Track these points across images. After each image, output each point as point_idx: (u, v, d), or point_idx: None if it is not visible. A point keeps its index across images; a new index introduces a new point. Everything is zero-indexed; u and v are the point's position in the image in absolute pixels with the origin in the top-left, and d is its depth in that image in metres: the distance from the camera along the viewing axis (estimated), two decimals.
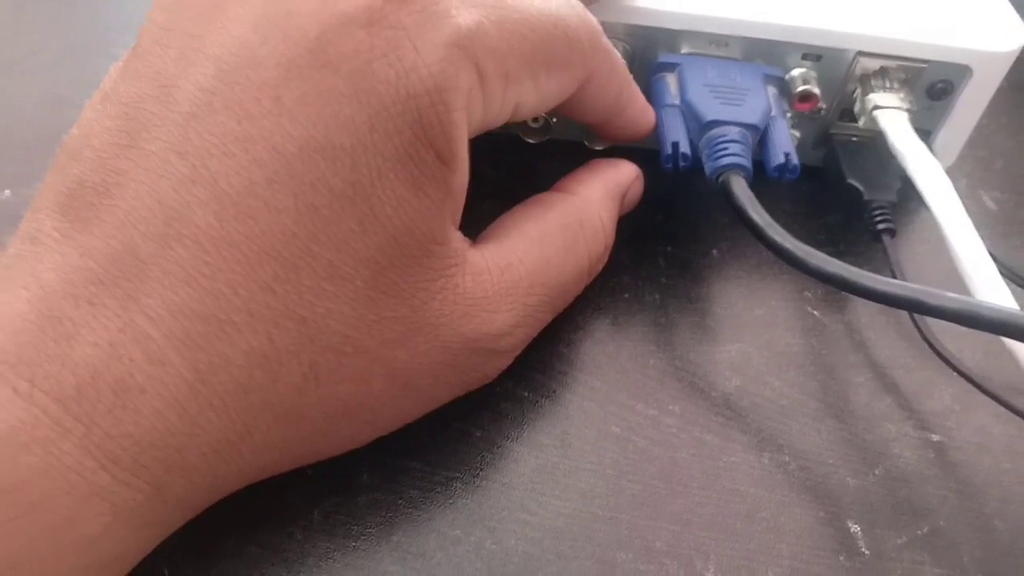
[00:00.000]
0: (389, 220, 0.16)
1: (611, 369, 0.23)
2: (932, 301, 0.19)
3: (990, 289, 0.20)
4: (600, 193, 0.22)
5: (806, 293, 0.25)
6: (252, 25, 0.16)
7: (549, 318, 0.21)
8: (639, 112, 0.23)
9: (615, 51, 0.22)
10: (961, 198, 0.28)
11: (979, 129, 0.31)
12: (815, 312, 0.25)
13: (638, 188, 0.24)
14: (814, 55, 0.25)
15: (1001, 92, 0.32)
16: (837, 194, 0.26)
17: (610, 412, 0.22)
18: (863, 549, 0.20)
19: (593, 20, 0.20)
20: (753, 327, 0.24)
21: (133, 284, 0.15)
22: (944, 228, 0.22)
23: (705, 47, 0.25)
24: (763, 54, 0.25)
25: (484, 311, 0.19)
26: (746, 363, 0.23)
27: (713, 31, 0.24)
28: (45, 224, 0.16)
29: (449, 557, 0.19)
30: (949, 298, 0.19)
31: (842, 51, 0.25)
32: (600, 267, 0.22)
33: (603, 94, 0.21)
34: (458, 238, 0.18)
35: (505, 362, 0.20)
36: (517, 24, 0.18)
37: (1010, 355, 0.20)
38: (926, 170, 0.23)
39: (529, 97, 0.19)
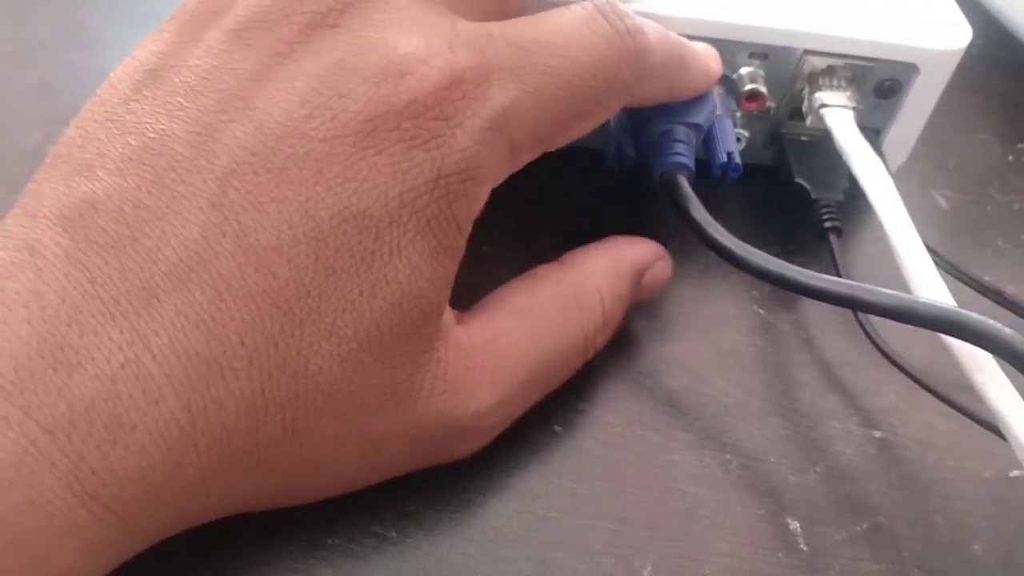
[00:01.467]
0: (399, 287, 0.17)
1: None
2: (868, 297, 0.19)
3: (928, 285, 0.20)
4: (602, 265, 0.21)
5: (754, 292, 0.25)
6: (300, 99, 0.16)
7: (538, 396, 0.20)
8: (698, 75, 0.22)
9: (666, 48, 0.21)
10: (913, 196, 0.29)
11: (934, 128, 0.31)
12: (762, 311, 0.25)
13: (662, 269, 0.23)
14: (761, 54, 0.25)
15: (955, 92, 0.32)
16: (787, 194, 0.26)
17: (553, 411, 0.22)
18: (802, 546, 0.20)
19: (638, 42, 0.20)
20: (700, 326, 0.24)
21: (143, 321, 0.15)
22: (884, 224, 0.22)
23: None
24: None
25: (465, 389, 0.18)
26: (692, 362, 0.23)
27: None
28: (45, 235, 0.15)
29: (386, 559, 0.19)
30: (884, 294, 0.19)
31: (789, 50, 0.25)
32: (600, 343, 0.21)
33: (653, 98, 0.22)
34: (447, 310, 0.19)
35: (482, 441, 0.20)
36: (555, 88, 0.18)
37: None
38: (868, 168, 0.23)
39: (560, 142, 0.19)
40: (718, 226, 0.21)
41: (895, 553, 0.20)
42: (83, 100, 0.18)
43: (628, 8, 0.20)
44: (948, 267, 0.24)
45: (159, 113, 0.17)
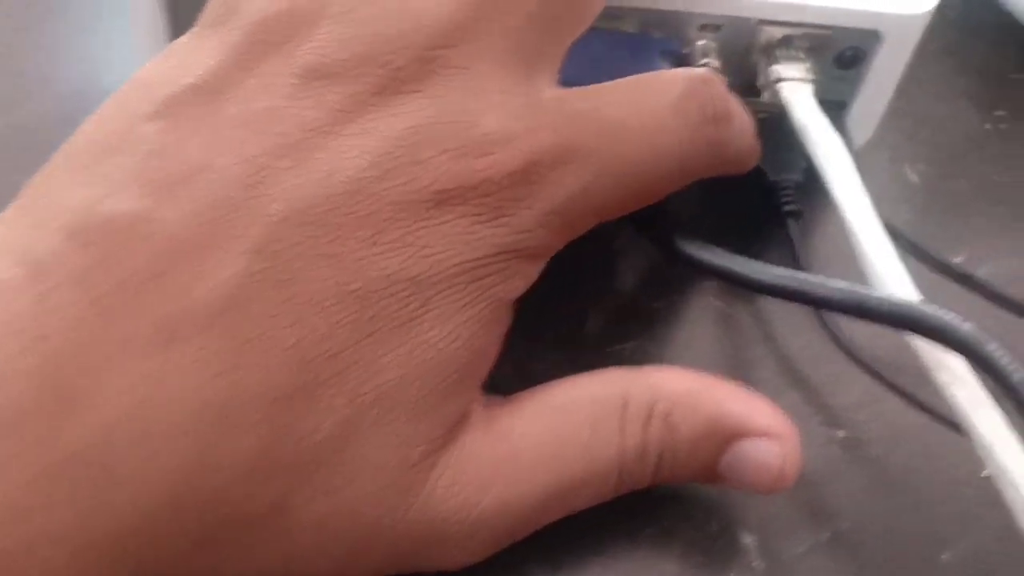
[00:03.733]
0: (436, 353, 0.16)
1: (501, 364, 0.21)
2: (818, 292, 0.18)
3: (887, 276, 0.18)
4: (680, 389, 0.17)
5: (711, 282, 0.23)
6: (372, 159, 0.16)
7: (542, 520, 0.17)
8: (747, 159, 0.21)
9: (741, 136, 0.20)
10: (883, 171, 0.27)
11: (906, 96, 0.29)
12: (718, 302, 0.23)
13: (766, 454, 0.17)
14: (714, 25, 0.23)
15: (930, 56, 0.30)
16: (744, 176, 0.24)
17: None
18: (754, 563, 0.18)
19: (721, 133, 0.19)
20: (653, 318, 0.23)
21: (156, 364, 0.14)
22: (842, 210, 0.20)
23: (597, 20, 0.23)
24: (660, 26, 0.23)
25: (473, 486, 0.16)
26: (643, 359, 0.22)
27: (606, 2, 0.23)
28: (55, 250, 0.14)
29: None
30: (835, 288, 0.18)
31: (743, 20, 0.23)
32: (638, 482, 0.18)
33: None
34: (479, 392, 0.17)
35: (472, 557, 0.17)
36: (629, 177, 0.18)
37: None
38: (824, 145, 0.21)
39: (616, 216, 0.18)
40: (666, 215, 0.19)
41: (859, 564, 0.19)
42: None
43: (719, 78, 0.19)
44: (913, 250, 0.22)
45: (206, 142, 0.15)
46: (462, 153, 0.16)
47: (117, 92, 0.17)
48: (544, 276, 0.18)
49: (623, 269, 0.23)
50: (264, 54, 0.16)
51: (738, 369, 0.22)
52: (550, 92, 0.17)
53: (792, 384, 0.22)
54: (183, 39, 0.18)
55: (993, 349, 0.15)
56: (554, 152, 0.16)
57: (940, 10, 0.32)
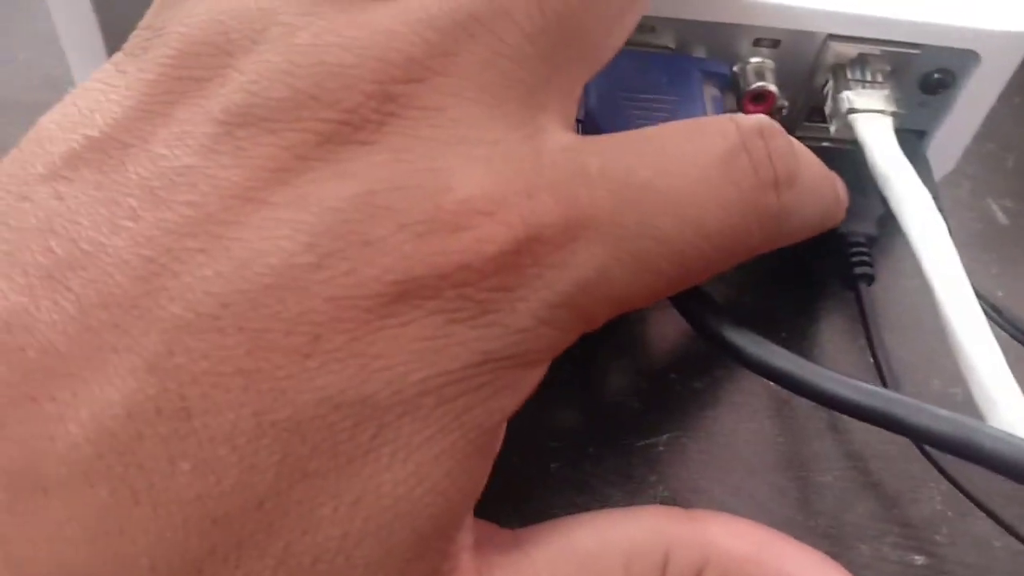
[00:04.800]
0: (394, 501, 0.12)
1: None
2: (910, 418, 0.14)
3: (1003, 405, 0.14)
4: (743, 550, 0.14)
5: None
6: (308, 240, 0.12)
7: None
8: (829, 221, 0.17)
9: (815, 201, 0.16)
10: (964, 208, 0.23)
11: (990, 117, 0.25)
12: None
13: None
14: (770, 40, 0.19)
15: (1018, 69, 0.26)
16: None
17: None
18: None
19: (784, 201, 0.14)
20: (690, 406, 0.19)
21: (17, 521, 0.11)
22: (937, 296, 0.16)
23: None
24: (704, 41, 0.19)
25: None
26: (677, 458, 0.18)
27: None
28: None
29: None
30: (934, 416, 0.14)
31: (807, 34, 0.19)
32: None
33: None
34: (468, 528, 0.13)
35: None
36: (659, 259, 0.13)
37: None
38: (914, 206, 0.17)
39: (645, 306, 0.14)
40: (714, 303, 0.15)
41: None
42: None
43: (782, 128, 0.15)
44: (1008, 324, 0.18)
45: (101, 215, 0.12)
46: (428, 229, 0.12)
47: (17, 145, 0.13)
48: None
49: (654, 338, 0.19)
50: (183, 94, 0.13)
51: (795, 470, 0.18)
52: (557, 141, 0.13)
53: (863, 488, 0.18)
54: (98, 73, 0.14)
55: None
56: (559, 224, 0.13)
57: None
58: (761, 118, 0.15)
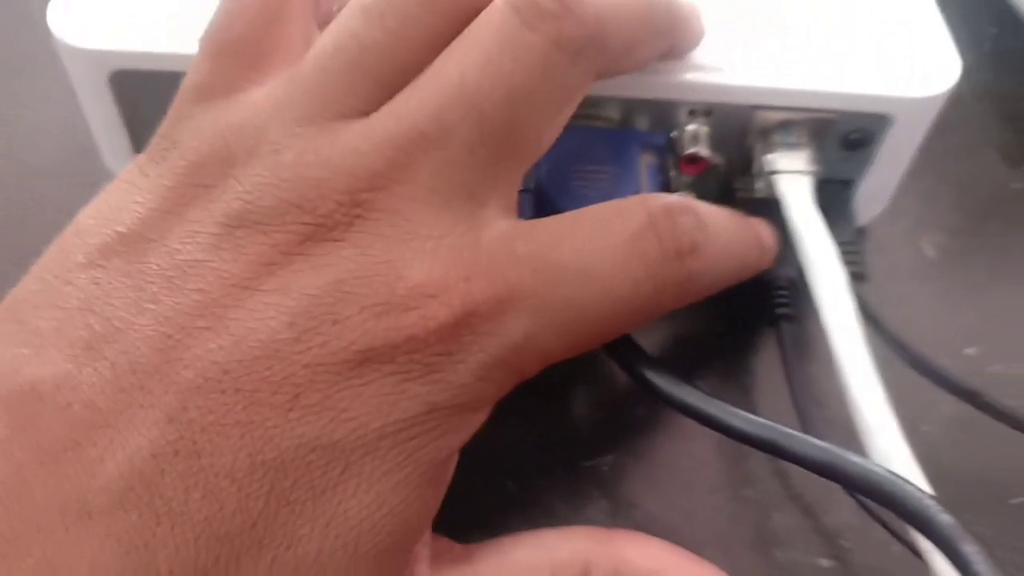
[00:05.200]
0: (360, 523, 0.15)
1: (458, 477, 0.20)
2: (789, 445, 0.17)
3: (875, 436, 0.17)
4: (651, 566, 0.17)
5: None
6: (289, 320, 0.15)
7: None
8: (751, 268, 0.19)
9: (723, 261, 0.18)
10: (897, 247, 0.26)
11: (928, 150, 0.27)
12: None
13: None
14: (703, 111, 0.21)
15: (957, 101, 0.28)
16: None
17: None
18: None
19: (689, 268, 0.17)
20: (633, 430, 0.22)
21: (70, 537, 0.13)
22: (831, 341, 0.19)
23: (578, 109, 0.21)
24: (645, 112, 0.22)
25: None
26: (620, 478, 0.21)
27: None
28: None
29: None
30: (808, 444, 0.16)
31: (734, 106, 0.21)
32: None
33: None
34: (426, 545, 0.16)
35: None
36: (578, 323, 0.16)
37: None
38: (818, 258, 0.20)
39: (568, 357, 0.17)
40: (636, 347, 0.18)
41: None
42: None
43: (690, 204, 0.17)
44: (912, 360, 0.21)
45: (129, 298, 0.15)
46: (385, 310, 0.15)
47: (61, 235, 0.16)
48: None
49: (601, 373, 0.22)
50: (194, 198, 0.16)
51: (724, 486, 0.21)
52: (495, 230, 0.16)
53: (783, 501, 0.21)
54: (126, 174, 0.17)
55: (968, 551, 0.14)
56: (491, 301, 0.15)
57: (974, 43, 0.30)
58: (670, 200, 0.17)
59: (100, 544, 0.14)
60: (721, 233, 0.18)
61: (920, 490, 0.15)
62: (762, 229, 0.20)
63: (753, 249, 0.19)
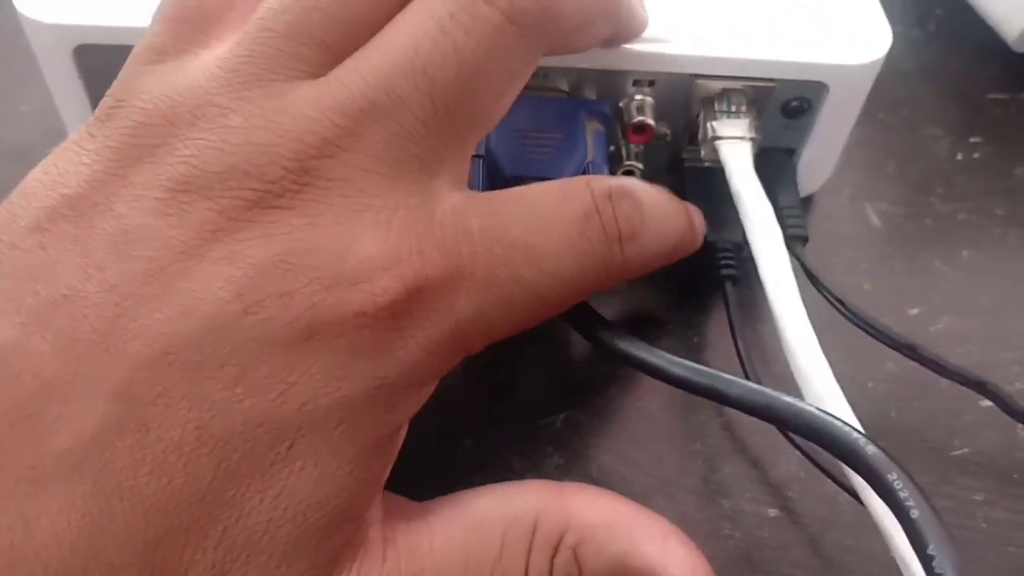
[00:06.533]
0: (308, 495, 0.15)
1: (422, 438, 0.21)
2: (728, 390, 0.17)
3: (807, 378, 0.18)
4: (599, 518, 0.16)
5: None
6: (236, 292, 0.15)
7: None
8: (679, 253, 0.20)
9: (655, 247, 0.19)
10: (843, 214, 0.26)
11: (875, 124, 0.28)
12: None
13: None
14: (647, 81, 0.22)
15: (905, 77, 0.29)
16: None
17: None
18: None
19: (627, 253, 0.18)
20: (586, 389, 0.22)
21: (30, 503, 0.14)
22: (769, 298, 0.19)
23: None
24: (592, 83, 0.22)
25: None
26: (573, 433, 0.21)
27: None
28: None
29: None
30: (745, 387, 0.17)
31: (676, 75, 0.22)
32: None
33: None
34: (378, 508, 0.16)
35: None
36: (524, 300, 0.16)
37: None
38: (756, 218, 0.20)
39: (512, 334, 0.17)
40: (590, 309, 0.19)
41: None
42: None
43: (630, 189, 0.18)
44: (852, 316, 0.21)
45: (76, 264, 0.15)
46: (333, 283, 0.15)
47: (8, 198, 0.16)
48: None
49: (557, 336, 0.23)
50: (139, 159, 0.16)
51: (673, 440, 0.21)
52: (447, 203, 0.16)
53: (730, 454, 0.21)
54: (75, 135, 0.17)
55: (894, 479, 0.15)
56: (443, 277, 0.15)
57: (919, 23, 0.31)
58: (612, 184, 0.18)
59: (58, 513, 0.14)
60: (658, 216, 0.19)
61: (849, 425, 0.16)
62: (694, 213, 0.21)
63: (687, 232, 0.20)
